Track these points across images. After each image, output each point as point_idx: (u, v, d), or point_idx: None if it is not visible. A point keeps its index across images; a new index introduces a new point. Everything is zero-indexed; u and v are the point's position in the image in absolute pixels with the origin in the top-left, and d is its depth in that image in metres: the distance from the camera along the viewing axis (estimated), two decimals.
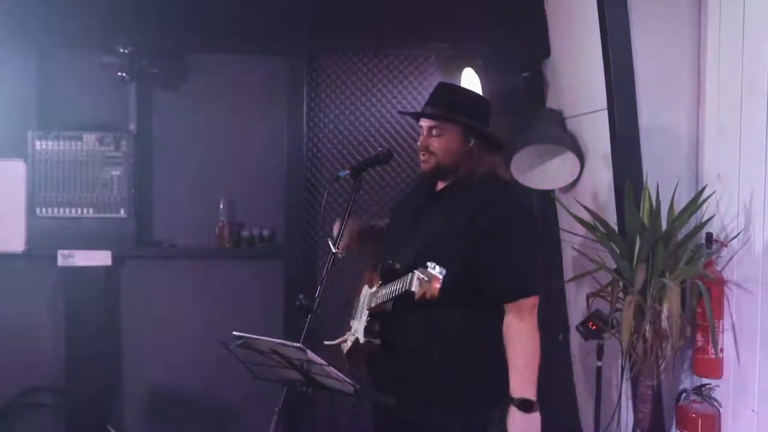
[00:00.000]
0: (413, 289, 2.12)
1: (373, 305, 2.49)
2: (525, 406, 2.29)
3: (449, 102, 2.48)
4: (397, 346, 2.45)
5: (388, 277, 2.43)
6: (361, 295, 2.65)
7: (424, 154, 2.47)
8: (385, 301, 2.40)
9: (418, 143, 2.51)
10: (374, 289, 2.54)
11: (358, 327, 2.59)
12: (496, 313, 2.38)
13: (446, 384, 2.39)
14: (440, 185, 2.55)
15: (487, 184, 2.44)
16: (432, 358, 2.41)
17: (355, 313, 2.66)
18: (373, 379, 2.60)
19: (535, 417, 2.29)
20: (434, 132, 2.45)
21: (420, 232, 2.47)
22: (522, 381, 2.30)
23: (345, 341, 2.67)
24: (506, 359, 2.35)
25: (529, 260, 2.40)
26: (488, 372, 2.40)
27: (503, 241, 2.35)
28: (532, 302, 2.35)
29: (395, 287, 2.31)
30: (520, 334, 2.33)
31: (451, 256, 2.27)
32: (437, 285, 2.07)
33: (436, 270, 2.08)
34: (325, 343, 2.70)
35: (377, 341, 2.46)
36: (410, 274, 2.16)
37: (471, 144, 2.44)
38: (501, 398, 2.35)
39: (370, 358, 2.54)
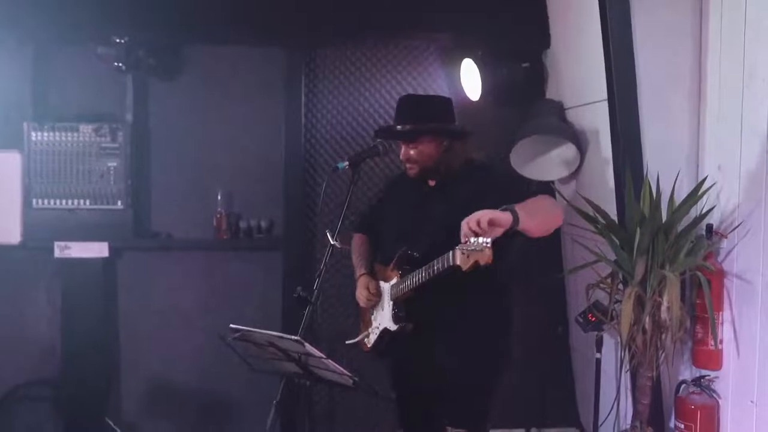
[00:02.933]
0: (458, 262, 2.30)
1: (399, 294, 2.71)
2: (512, 210, 2.40)
3: (416, 114, 2.76)
4: (423, 326, 2.70)
5: (406, 267, 2.67)
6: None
7: (408, 163, 2.77)
8: (417, 286, 2.61)
9: (400, 155, 2.78)
10: (394, 281, 2.75)
11: (381, 319, 2.77)
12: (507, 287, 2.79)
13: (462, 349, 2.68)
14: (431, 182, 2.81)
15: (474, 170, 2.76)
16: (457, 329, 2.68)
17: (374, 309, 2.84)
18: (398, 361, 2.89)
19: (508, 218, 2.37)
20: (410, 144, 2.73)
21: (426, 225, 2.66)
22: (526, 210, 2.43)
23: (368, 336, 2.84)
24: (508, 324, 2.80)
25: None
26: (498, 335, 2.77)
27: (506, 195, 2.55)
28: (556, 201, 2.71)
29: (432, 268, 2.53)
30: (548, 198, 2.65)
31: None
32: (489, 252, 2.26)
33: (480, 241, 2.26)
34: (347, 342, 2.92)
35: (410, 325, 2.70)
36: (450, 252, 2.38)
37: (446, 143, 2.73)
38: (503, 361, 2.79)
39: (394, 344, 2.77)
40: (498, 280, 2.73)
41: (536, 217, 2.46)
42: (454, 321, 2.68)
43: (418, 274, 2.62)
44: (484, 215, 2.29)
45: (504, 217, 2.33)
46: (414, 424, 2.96)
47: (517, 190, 2.77)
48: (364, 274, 2.95)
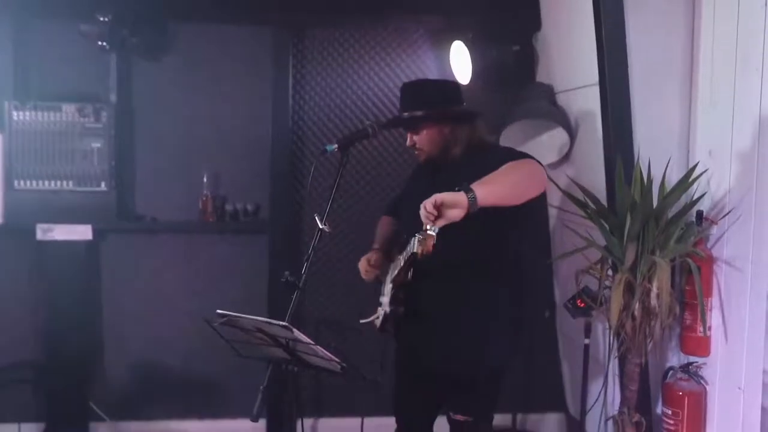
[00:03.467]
0: (415, 250, 2.27)
1: (393, 276, 2.71)
2: (467, 189, 2.29)
3: (415, 102, 2.74)
4: (421, 311, 2.71)
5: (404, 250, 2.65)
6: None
7: (415, 150, 2.78)
8: (401, 270, 2.61)
9: (407, 142, 2.79)
10: (394, 263, 2.79)
11: (385, 300, 2.81)
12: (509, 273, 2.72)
13: (467, 336, 2.65)
14: (441, 166, 2.77)
15: (481, 152, 2.69)
16: (454, 316, 2.66)
17: (383, 290, 2.87)
18: (403, 345, 2.90)
19: (462, 198, 2.27)
20: (413, 132, 2.75)
21: None
22: (487, 183, 2.35)
23: (378, 317, 2.85)
24: (513, 315, 2.72)
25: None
26: (501, 325, 2.69)
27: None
28: (534, 162, 2.58)
29: (404, 255, 2.57)
30: (519, 162, 2.52)
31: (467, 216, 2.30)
32: (431, 242, 2.23)
33: (429, 229, 2.23)
34: (361, 321, 2.91)
35: (401, 308, 2.72)
36: (412, 239, 2.33)
37: (448, 128, 2.70)
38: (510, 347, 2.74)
39: (399, 326, 2.78)
40: (500, 268, 2.70)
41: (501, 190, 2.36)
42: (457, 310, 2.66)
43: (399, 259, 2.65)
44: (431, 199, 2.24)
45: (456, 197, 2.24)
46: (409, 411, 2.94)
47: None
48: (374, 249, 2.99)
